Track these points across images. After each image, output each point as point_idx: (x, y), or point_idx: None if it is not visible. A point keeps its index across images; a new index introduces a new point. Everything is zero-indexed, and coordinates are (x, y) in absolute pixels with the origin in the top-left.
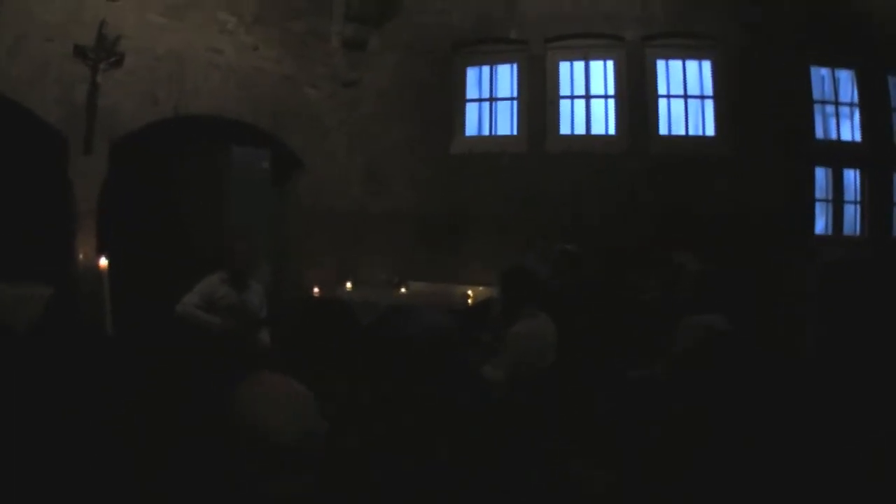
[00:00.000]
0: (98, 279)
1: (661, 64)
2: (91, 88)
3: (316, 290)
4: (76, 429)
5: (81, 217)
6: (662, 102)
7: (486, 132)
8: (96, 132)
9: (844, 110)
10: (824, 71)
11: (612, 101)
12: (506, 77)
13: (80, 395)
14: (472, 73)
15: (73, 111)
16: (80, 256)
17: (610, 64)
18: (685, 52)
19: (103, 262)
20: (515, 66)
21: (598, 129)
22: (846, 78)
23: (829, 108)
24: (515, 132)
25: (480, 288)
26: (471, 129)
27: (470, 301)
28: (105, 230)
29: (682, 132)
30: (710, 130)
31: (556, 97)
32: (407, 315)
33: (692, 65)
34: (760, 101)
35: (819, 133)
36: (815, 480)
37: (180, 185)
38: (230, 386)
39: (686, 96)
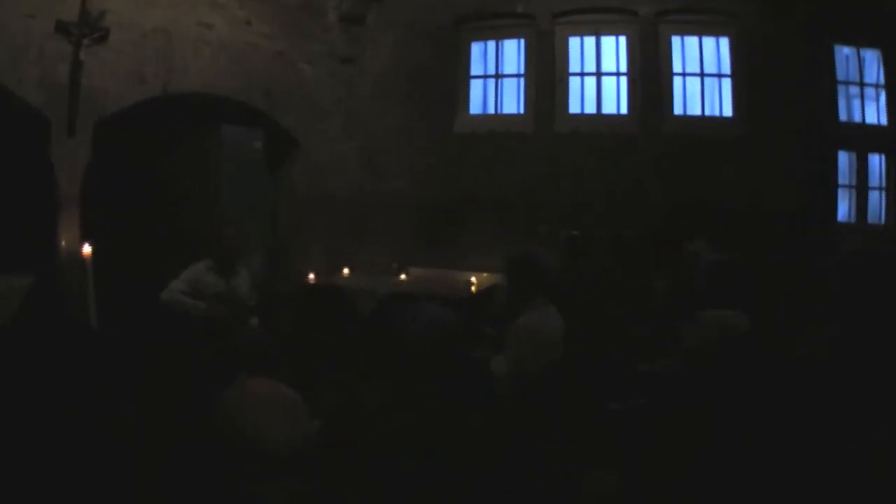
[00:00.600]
0: (82, 268)
1: (676, 40)
2: (74, 67)
3: (311, 276)
4: (56, 429)
5: (64, 202)
6: (677, 81)
7: (491, 110)
8: (80, 113)
9: (870, 91)
10: (848, 50)
11: (624, 79)
12: (512, 53)
13: (62, 393)
14: (476, 49)
15: (55, 91)
16: (63, 244)
17: (622, 40)
18: (701, 29)
19: (87, 249)
20: (523, 41)
21: (609, 108)
22: (872, 58)
23: (854, 90)
24: (522, 111)
25: (484, 274)
26: (475, 107)
27: (474, 288)
28: (89, 216)
29: (698, 112)
30: (728, 111)
31: (566, 74)
32: (408, 308)
33: (709, 42)
34: (780, 81)
35: (842, 115)
36: (814, 480)
37: (169, 167)
38: (217, 389)
39: (702, 75)
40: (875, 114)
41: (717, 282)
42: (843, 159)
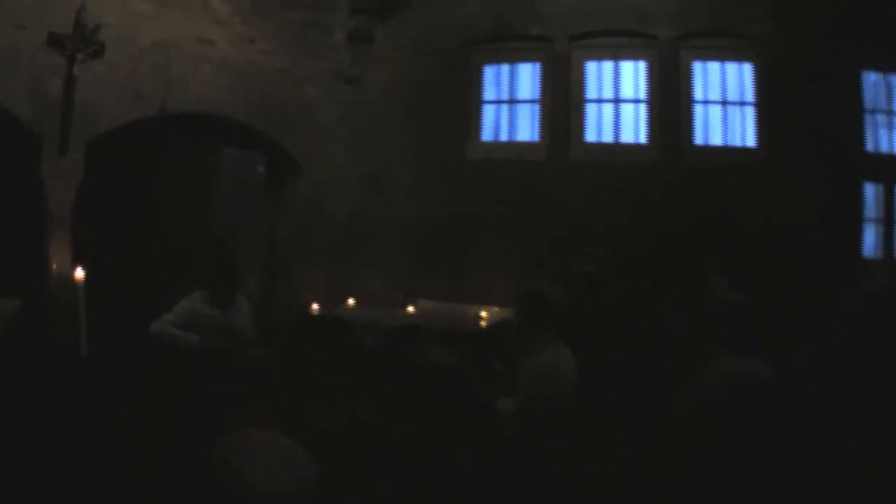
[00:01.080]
0: (73, 292)
1: (697, 66)
2: (67, 82)
3: (315, 306)
4: (39, 467)
5: (55, 223)
6: (698, 108)
7: (503, 137)
8: (72, 130)
9: None
10: (875, 76)
11: (643, 106)
12: (527, 77)
13: (47, 425)
14: (489, 72)
15: (47, 107)
16: (54, 267)
17: (642, 65)
18: (724, 54)
19: (79, 273)
20: (538, 65)
21: (627, 136)
22: None
23: (881, 118)
24: (536, 138)
25: (495, 308)
26: (487, 133)
27: (483, 323)
28: (82, 238)
29: (720, 142)
30: (751, 141)
31: (582, 100)
32: (412, 354)
33: (732, 67)
34: (806, 109)
35: (869, 145)
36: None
37: (165, 190)
38: (210, 440)
39: (724, 102)
40: None
41: (740, 327)
42: (870, 191)
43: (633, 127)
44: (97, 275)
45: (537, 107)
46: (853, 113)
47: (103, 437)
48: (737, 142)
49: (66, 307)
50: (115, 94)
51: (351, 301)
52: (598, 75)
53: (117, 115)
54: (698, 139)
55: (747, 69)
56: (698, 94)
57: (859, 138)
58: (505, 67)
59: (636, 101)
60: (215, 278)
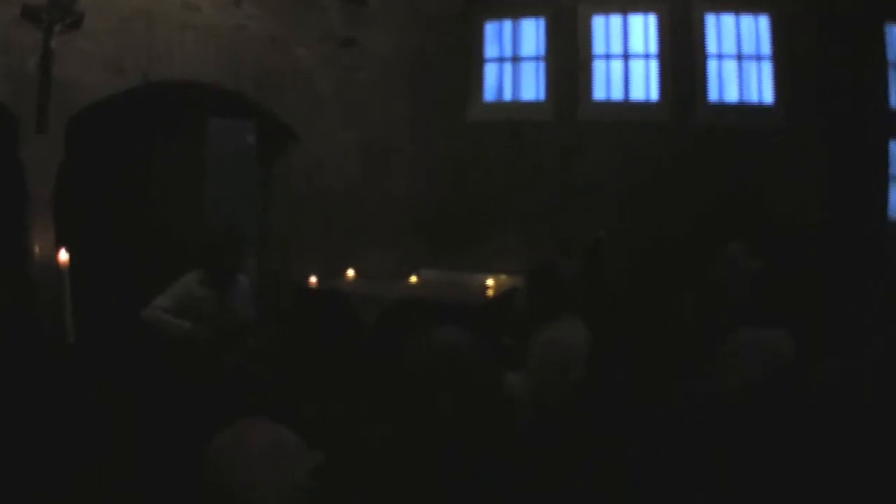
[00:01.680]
0: (57, 277)
1: (710, 19)
2: (44, 57)
3: (312, 279)
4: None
5: (36, 206)
6: (712, 64)
7: (507, 97)
8: (51, 107)
9: None
10: None
11: (653, 62)
12: (531, 34)
13: (36, 418)
14: (490, 29)
15: (24, 83)
16: (36, 251)
17: (652, 19)
18: (739, 6)
19: (63, 256)
20: (542, 21)
21: (637, 94)
22: None
23: None
24: (542, 97)
25: (502, 276)
26: (490, 93)
27: (490, 292)
28: (64, 220)
29: (735, 99)
30: (768, 97)
31: (590, 57)
32: (415, 332)
33: (747, 20)
34: (826, 64)
35: (894, 102)
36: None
37: (152, 164)
38: (206, 436)
39: (740, 57)
40: None
41: (760, 294)
42: None
43: (644, 84)
44: (83, 258)
45: (542, 64)
46: (877, 68)
47: (93, 430)
48: (753, 98)
49: (51, 293)
50: (96, 66)
51: (350, 272)
52: (606, 30)
53: (98, 88)
54: (712, 96)
55: (763, 21)
56: (712, 48)
57: (883, 95)
58: (507, 23)
59: (646, 56)
60: (213, 258)
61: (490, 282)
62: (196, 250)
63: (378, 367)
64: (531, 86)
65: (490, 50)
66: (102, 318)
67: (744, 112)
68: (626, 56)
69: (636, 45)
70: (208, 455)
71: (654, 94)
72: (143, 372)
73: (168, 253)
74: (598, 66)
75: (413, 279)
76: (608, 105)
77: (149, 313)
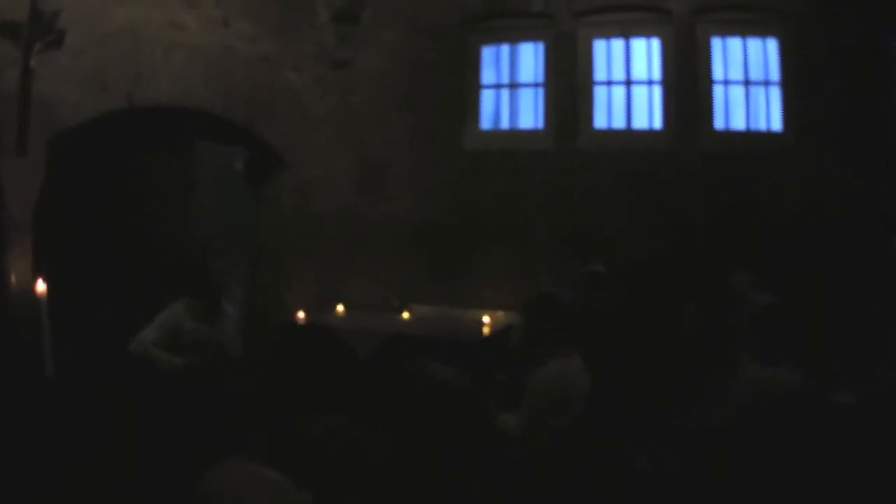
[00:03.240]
0: (35, 307)
1: (716, 42)
2: (24, 76)
3: (300, 314)
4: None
5: (13, 231)
6: (718, 90)
7: (505, 125)
8: (31, 127)
9: None
10: None
11: (657, 88)
12: (529, 59)
13: (13, 455)
14: (487, 54)
15: (3, 102)
16: (13, 279)
17: (655, 43)
18: (746, 29)
19: (41, 286)
20: (541, 45)
21: (640, 122)
22: None
23: None
24: (541, 125)
25: (499, 313)
26: (487, 120)
27: (486, 329)
28: (43, 247)
29: (743, 126)
30: (776, 124)
31: (590, 83)
32: (411, 370)
33: (754, 43)
34: (837, 88)
35: None
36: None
37: (136, 190)
38: (194, 476)
39: (747, 82)
40: None
41: (767, 331)
42: None
43: (647, 111)
44: (63, 286)
45: (541, 91)
46: (889, 91)
47: (75, 467)
48: (761, 126)
49: (29, 324)
50: (78, 85)
51: (340, 307)
52: (608, 55)
53: (81, 109)
54: (718, 123)
55: (772, 45)
56: (718, 73)
57: None
58: (505, 48)
59: (650, 82)
60: (198, 289)
61: (486, 318)
62: (183, 280)
63: (369, 401)
64: (530, 113)
65: (487, 75)
66: (83, 350)
67: (751, 139)
68: (628, 82)
69: (639, 70)
70: (194, 498)
71: (658, 122)
72: (126, 406)
73: (152, 282)
74: (599, 93)
75: (406, 315)
76: (610, 133)
77: (137, 347)
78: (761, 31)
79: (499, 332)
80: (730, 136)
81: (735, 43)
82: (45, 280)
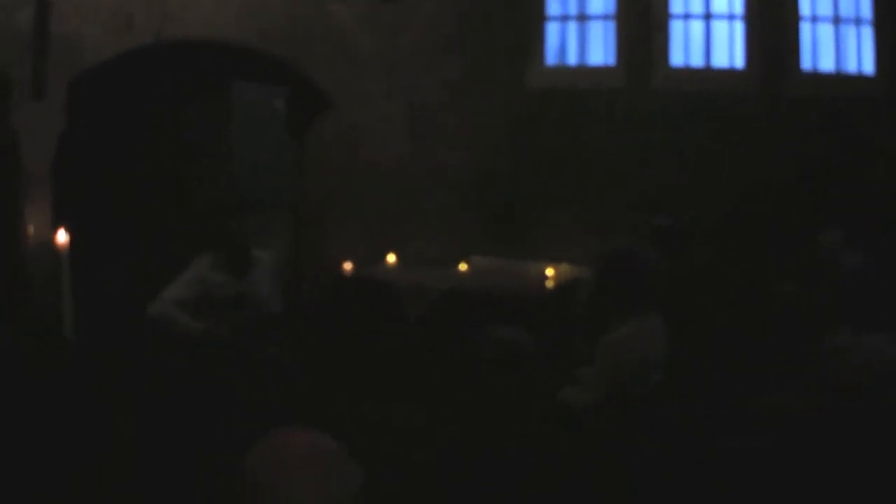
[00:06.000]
0: (55, 262)
1: None
2: (40, 10)
3: (347, 266)
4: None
5: (30, 181)
6: (806, 27)
7: (571, 61)
8: (50, 69)
9: None
10: None
11: (739, 24)
12: None
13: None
14: None
15: (18, 42)
16: (31, 231)
17: None
18: None
19: (62, 238)
20: None
21: (720, 60)
22: None
23: None
24: (612, 62)
25: (564, 265)
26: (551, 56)
27: (550, 283)
28: (64, 198)
29: (832, 68)
30: (869, 66)
31: (666, 16)
32: (469, 332)
33: None
34: None
35: None
36: None
37: (165, 135)
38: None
39: (837, 20)
40: None
41: (863, 293)
42: None
43: (728, 48)
44: (84, 243)
45: (612, 24)
46: None
47: (96, 445)
48: (852, 67)
49: (46, 280)
50: (101, 22)
51: (391, 258)
52: None
53: (103, 47)
54: (805, 64)
55: None
56: (805, 9)
57: None
58: None
59: (731, 17)
60: (224, 240)
61: (550, 271)
62: (217, 229)
63: (427, 366)
64: (600, 49)
65: (553, 6)
66: (106, 312)
67: (840, 82)
68: (707, 16)
69: (719, 4)
70: (242, 469)
71: (740, 61)
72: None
73: (185, 232)
74: (676, 28)
75: (463, 267)
76: (687, 72)
77: (157, 309)
78: None
79: (565, 287)
80: (817, 78)
81: None
82: (67, 231)
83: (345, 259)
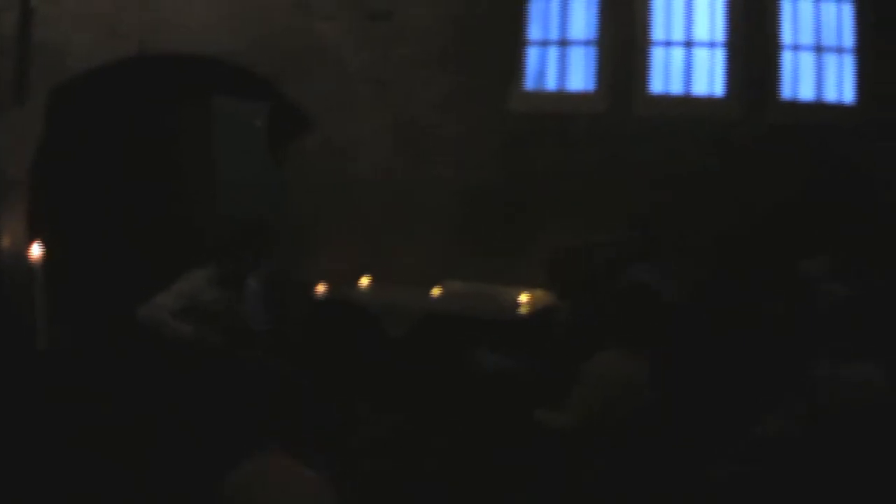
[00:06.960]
0: (29, 274)
1: (786, 4)
2: (23, 16)
3: (320, 288)
4: None
5: (8, 189)
6: (787, 55)
7: (551, 86)
8: (31, 75)
9: None
10: None
11: (719, 51)
12: (580, 13)
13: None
14: (536, 6)
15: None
16: (5, 243)
17: (719, 1)
18: None
19: (36, 250)
20: None
21: (700, 87)
22: None
23: None
24: (591, 87)
25: (538, 292)
26: (532, 80)
27: (523, 310)
28: (41, 208)
29: (812, 96)
30: (849, 95)
31: (647, 42)
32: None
33: (829, 7)
34: None
35: None
36: None
37: (147, 147)
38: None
39: (819, 49)
40: None
41: (847, 324)
42: None
43: (708, 76)
44: (61, 252)
45: (593, 49)
46: None
47: (70, 457)
48: (833, 96)
49: (20, 291)
50: (85, 30)
51: (364, 280)
52: (667, 12)
53: (87, 56)
54: (786, 92)
55: (846, 9)
56: (787, 37)
57: None
58: (554, 1)
59: (712, 44)
60: (230, 253)
61: (524, 297)
62: (210, 242)
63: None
64: (580, 73)
65: (534, 31)
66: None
67: (821, 111)
68: (688, 43)
69: (701, 31)
70: (224, 492)
71: (720, 88)
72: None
73: (167, 245)
74: (657, 54)
75: (435, 291)
76: (667, 99)
77: (148, 312)
78: None
79: (537, 314)
80: (798, 106)
81: (807, 5)
82: (41, 245)
83: (321, 280)
